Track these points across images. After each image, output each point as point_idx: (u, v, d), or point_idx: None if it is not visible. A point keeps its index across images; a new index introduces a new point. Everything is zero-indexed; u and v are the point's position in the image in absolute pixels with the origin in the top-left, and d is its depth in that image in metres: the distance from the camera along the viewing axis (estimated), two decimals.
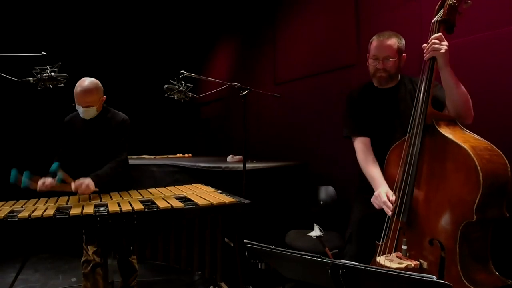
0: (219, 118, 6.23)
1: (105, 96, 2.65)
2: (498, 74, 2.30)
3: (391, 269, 1.02)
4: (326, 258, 1.10)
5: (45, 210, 2.05)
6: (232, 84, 2.94)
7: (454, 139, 1.57)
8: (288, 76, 4.35)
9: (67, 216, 1.99)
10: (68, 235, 2.02)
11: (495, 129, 2.16)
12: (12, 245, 1.98)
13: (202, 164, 3.62)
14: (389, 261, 1.61)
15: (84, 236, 2.05)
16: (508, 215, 1.53)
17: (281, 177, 3.66)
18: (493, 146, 1.57)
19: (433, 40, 1.68)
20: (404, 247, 1.67)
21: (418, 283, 0.94)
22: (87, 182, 2.37)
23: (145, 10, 6.62)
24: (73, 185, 2.36)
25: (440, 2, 1.73)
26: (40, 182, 2.33)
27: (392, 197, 1.79)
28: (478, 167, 1.46)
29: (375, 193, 1.89)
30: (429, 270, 1.60)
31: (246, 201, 2.35)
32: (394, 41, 1.99)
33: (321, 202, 3.36)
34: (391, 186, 1.84)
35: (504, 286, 1.53)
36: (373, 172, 1.98)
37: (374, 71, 2.04)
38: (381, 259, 1.64)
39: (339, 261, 1.07)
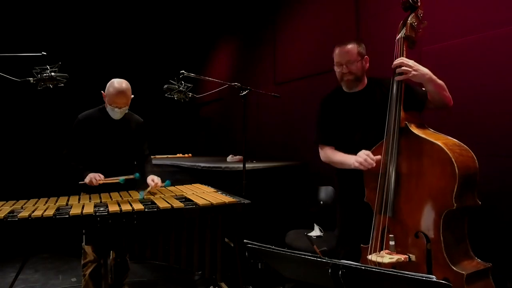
0: (219, 118, 6.22)
1: (132, 95, 2.69)
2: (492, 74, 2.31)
3: (391, 269, 1.02)
4: (326, 258, 1.10)
5: (45, 210, 2.04)
6: (232, 84, 2.94)
7: (428, 138, 1.75)
8: (288, 76, 4.35)
9: (67, 216, 1.99)
10: (68, 235, 2.02)
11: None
12: (12, 245, 1.98)
13: (202, 164, 3.62)
14: (380, 257, 1.71)
15: (84, 236, 2.05)
16: (480, 203, 1.71)
17: (281, 177, 3.66)
18: (461, 142, 1.76)
19: (400, 61, 1.86)
20: (391, 242, 1.77)
21: (418, 283, 0.94)
22: (158, 178, 2.62)
23: (146, 10, 6.62)
24: (151, 182, 2.57)
25: (402, 21, 1.96)
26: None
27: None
28: (453, 159, 1.64)
29: (356, 159, 1.92)
30: (418, 262, 1.71)
31: (246, 201, 2.35)
32: (353, 46, 2.13)
33: (321, 202, 3.36)
34: (373, 188, 1.92)
35: (486, 268, 1.68)
36: (339, 154, 2.12)
37: (340, 76, 2.16)
38: (372, 257, 1.73)
39: (339, 261, 1.07)
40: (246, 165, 2.85)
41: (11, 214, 2.00)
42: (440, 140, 1.73)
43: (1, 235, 1.93)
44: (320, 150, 2.26)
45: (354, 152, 2.00)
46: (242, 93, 2.85)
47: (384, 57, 2.29)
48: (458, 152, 1.69)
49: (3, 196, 2.40)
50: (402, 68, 1.84)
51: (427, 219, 1.70)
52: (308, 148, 3.94)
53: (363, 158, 1.89)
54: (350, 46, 2.12)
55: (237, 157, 4.09)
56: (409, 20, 1.93)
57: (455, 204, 1.62)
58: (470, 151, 1.74)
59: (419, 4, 1.93)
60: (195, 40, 6.98)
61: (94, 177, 2.46)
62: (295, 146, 4.14)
